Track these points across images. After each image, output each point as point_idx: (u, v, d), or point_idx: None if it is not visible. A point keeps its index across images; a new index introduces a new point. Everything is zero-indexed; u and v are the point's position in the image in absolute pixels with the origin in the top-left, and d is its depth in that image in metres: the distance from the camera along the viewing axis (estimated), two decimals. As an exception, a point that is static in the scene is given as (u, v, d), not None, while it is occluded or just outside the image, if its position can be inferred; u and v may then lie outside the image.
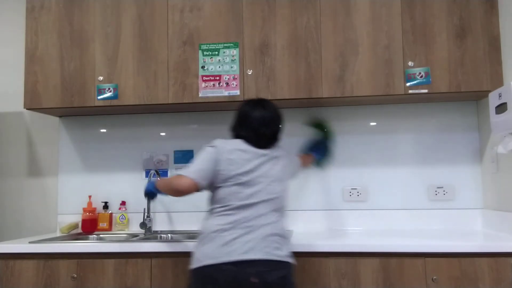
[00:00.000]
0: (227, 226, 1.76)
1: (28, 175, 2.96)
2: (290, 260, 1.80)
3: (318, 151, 2.55)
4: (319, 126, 2.60)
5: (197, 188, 1.83)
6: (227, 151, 1.83)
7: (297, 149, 2.59)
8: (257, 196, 1.80)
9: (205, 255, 1.75)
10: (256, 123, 1.88)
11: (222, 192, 1.82)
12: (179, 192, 1.85)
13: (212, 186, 1.85)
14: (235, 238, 1.73)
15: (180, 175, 1.84)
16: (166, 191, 1.98)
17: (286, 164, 1.95)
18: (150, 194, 2.20)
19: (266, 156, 1.86)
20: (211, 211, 1.87)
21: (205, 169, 1.82)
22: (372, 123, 2.71)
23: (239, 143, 1.87)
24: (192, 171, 1.83)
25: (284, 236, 1.82)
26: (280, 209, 1.86)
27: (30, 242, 2.29)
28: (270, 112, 1.91)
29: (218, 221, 1.79)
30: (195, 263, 1.78)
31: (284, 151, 1.97)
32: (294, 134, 2.73)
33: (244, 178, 1.80)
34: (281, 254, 1.76)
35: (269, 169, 1.85)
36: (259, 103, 1.94)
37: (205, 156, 1.85)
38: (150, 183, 2.17)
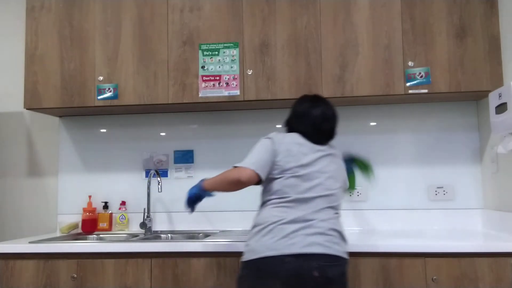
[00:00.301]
0: (287, 218, 1.74)
1: (28, 175, 2.96)
2: (347, 257, 1.79)
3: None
4: (362, 166, 2.25)
5: (258, 179, 1.80)
6: (285, 143, 1.82)
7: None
8: (315, 191, 1.78)
9: (265, 246, 1.71)
10: (318, 119, 1.87)
11: (279, 184, 1.79)
12: (240, 183, 1.79)
13: (268, 177, 1.83)
14: (295, 231, 1.71)
15: (237, 167, 1.81)
16: (221, 186, 1.88)
17: (340, 162, 1.94)
18: (197, 199, 1.98)
19: (322, 152, 1.85)
20: (266, 203, 1.83)
21: (264, 160, 1.80)
22: (372, 123, 2.72)
23: (297, 137, 1.86)
24: (251, 162, 1.80)
25: (342, 233, 1.81)
26: (336, 207, 1.84)
27: (30, 242, 2.29)
28: (330, 109, 1.92)
29: (276, 213, 1.76)
30: (252, 255, 1.73)
31: (338, 150, 1.96)
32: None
33: (301, 171, 1.78)
34: (341, 249, 1.75)
35: (325, 165, 1.83)
36: (319, 99, 1.94)
37: (262, 148, 1.83)
38: (194, 187, 1.97)
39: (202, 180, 1.94)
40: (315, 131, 1.87)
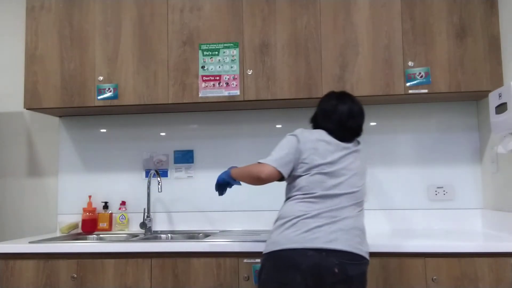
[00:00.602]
0: (311, 213, 1.74)
1: (28, 175, 2.96)
2: (368, 258, 1.78)
3: None
4: None
5: (279, 177, 1.81)
6: (311, 141, 1.82)
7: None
8: (340, 188, 1.78)
9: (287, 239, 1.72)
10: (344, 116, 1.86)
11: (305, 181, 1.79)
12: (260, 180, 1.81)
13: (293, 174, 1.83)
14: (319, 226, 1.71)
15: (261, 163, 1.82)
16: (244, 178, 1.93)
17: (363, 158, 1.94)
18: (224, 184, 2.06)
19: (348, 149, 1.85)
20: (291, 198, 1.83)
21: (287, 157, 1.81)
22: (372, 123, 2.71)
23: (323, 134, 1.85)
24: (274, 159, 1.81)
25: (364, 231, 1.81)
26: (360, 204, 1.84)
27: (30, 242, 2.29)
28: (357, 106, 1.91)
29: (301, 207, 1.77)
30: (275, 246, 1.74)
31: (361, 146, 1.96)
32: (294, 134, 2.74)
33: (328, 169, 1.78)
34: (363, 249, 1.75)
35: (351, 162, 1.84)
36: (346, 96, 1.93)
37: (287, 145, 1.83)
38: (223, 173, 2.05)
39: (231, 168, 2.01)
40: (341, 128, 1.86)
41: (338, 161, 1.80)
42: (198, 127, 2.84)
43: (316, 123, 1.95)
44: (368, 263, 1.78)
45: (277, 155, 1.82)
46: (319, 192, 1.77)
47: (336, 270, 1.67)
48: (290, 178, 1.86)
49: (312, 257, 1.67)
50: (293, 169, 1.83)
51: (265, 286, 1.74)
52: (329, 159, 1.79)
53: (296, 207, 1.78)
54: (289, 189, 1.88)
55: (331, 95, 1.95)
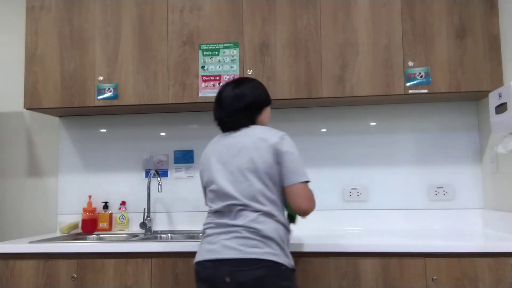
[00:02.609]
0: (211, 224, 1.77)
1: (28, 175, 2.96)
2: (275, 259, 1.65)
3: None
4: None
5: None
6: None
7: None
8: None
9: (198, 251, 1.77)
10: None
11: None
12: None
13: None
14: (217, 235, 1.72)
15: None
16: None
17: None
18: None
19: None
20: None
21: None
22: (372, 123, 2.72)
23: None
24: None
25: (264, 235, 1.67)
26: (257, 208, 1.73)
27: (30, 242, 2.29)
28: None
29: (206, 220, 1.82)
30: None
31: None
32: (294, 134, 2.74)
33: None
34: (259, 251, 1.64)
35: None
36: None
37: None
38: None
39: None
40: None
41: None
42: (198, 127, 2.84)
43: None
44: (270, 266, 1.64)
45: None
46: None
47: (228, 279, 1.64)
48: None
49: (208, 268, 1.68)
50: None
51: None
52: None
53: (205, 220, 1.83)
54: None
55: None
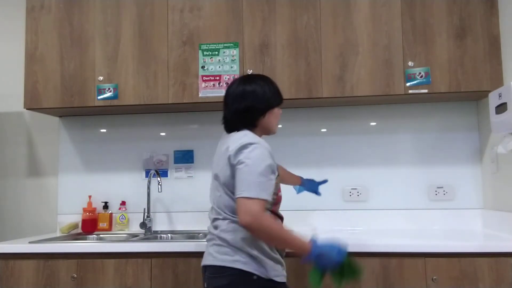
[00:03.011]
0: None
1: (28, 175, 2.96)
2: (243, 267, 1.62)
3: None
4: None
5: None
6: None
7: (297, 150, 2.58)
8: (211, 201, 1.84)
9: None
10: None
11: None
12: None
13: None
14: (207, 242, 1.78)
15: None
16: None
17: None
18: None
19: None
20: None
21: None
22: (372, 123, 2.71)
23: None
24: None
25: (232, 244, 1.65)
26: (224, 214, 1.71)
27: (30, 242, 2.29)
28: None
29: None
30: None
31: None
32: (294, 134, 2.73)
33: None
34: (228, 259, 1.64)
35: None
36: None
37: None
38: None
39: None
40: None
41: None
42: (198, 127, 2.84)
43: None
44: (234, 274, 1.62)
45: None
46: None
47: (205, 285, 1.72)
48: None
49: (204, 274, 1.76)
50: None
51: None
52: None
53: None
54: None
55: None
